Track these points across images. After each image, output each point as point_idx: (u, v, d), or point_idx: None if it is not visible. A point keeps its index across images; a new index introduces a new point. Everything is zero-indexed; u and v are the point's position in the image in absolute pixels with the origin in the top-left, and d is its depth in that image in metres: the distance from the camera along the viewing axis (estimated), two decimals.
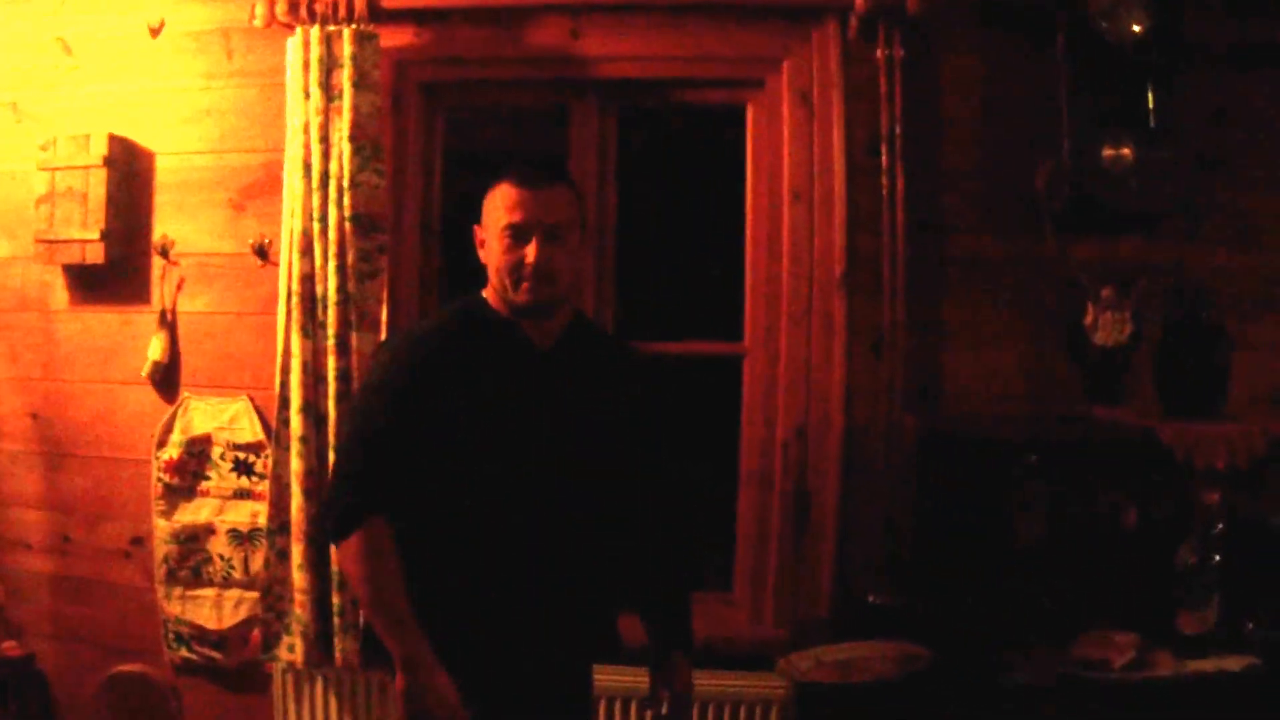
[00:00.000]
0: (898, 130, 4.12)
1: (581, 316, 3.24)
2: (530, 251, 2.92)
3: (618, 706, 4.14)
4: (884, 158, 4.13)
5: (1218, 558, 4.02)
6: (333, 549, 3.99)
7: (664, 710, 3.25)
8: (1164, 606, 4.03)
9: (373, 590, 2.87)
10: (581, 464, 3.05)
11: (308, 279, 4.12)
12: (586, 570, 3.08)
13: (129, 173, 4.44)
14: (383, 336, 4.13)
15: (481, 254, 3.05)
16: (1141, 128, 4.14)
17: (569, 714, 3.22)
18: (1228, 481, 4.06)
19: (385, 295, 4.17)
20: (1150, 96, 4.16)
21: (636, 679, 3.49)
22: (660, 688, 3.27)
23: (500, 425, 2.96)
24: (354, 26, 4.11)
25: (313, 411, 4.12)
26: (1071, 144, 4.12)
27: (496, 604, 2.97)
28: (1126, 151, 4.14)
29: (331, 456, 4.07)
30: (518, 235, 2.94)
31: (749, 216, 4.30)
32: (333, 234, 4.09)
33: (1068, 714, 3.79)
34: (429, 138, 4.40)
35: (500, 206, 2.96)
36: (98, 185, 4.38)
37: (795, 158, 4.19)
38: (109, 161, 4.38)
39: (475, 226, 3.06)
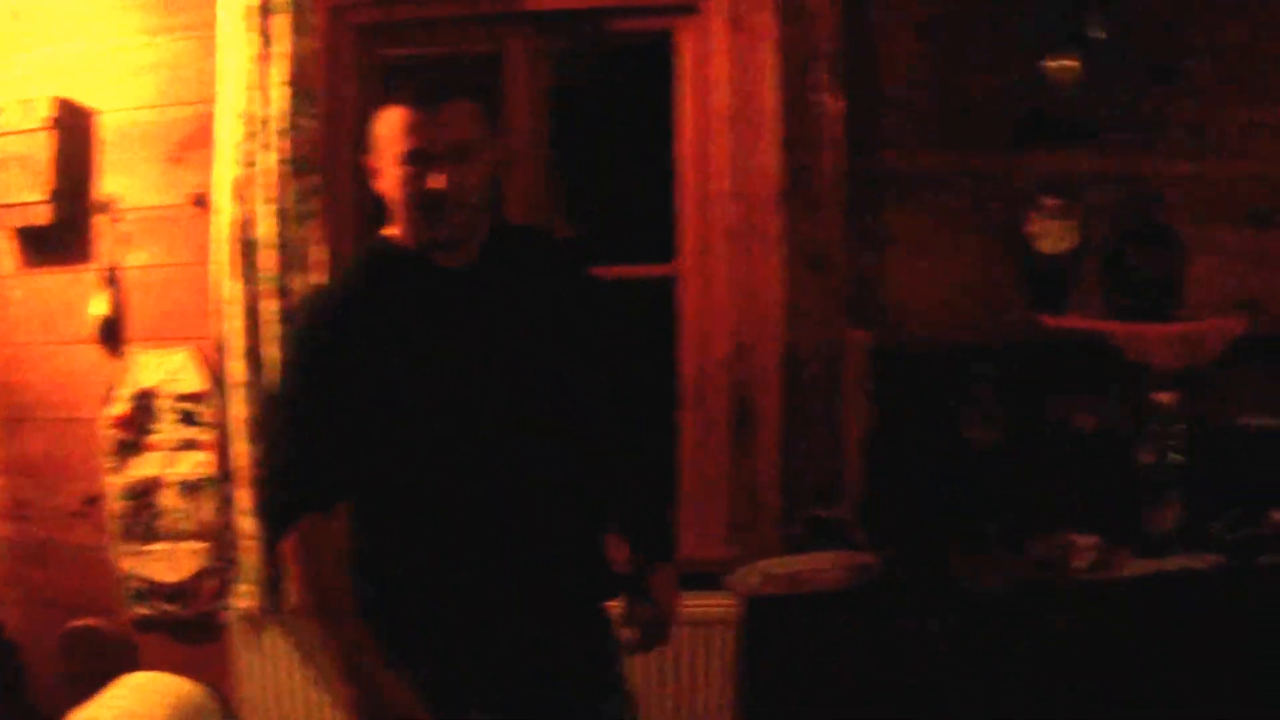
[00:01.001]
0: (834, 48, 4.08)
1: (500, 224, 2.94)
2: (437, 179, 2.62)
3: None
4: (820, 76, 4.08)
5: (1178, 458, 3.95)
6: None
7: (640, 628, 2.99)
8: (1126, 509, 3.96)
9: (313, 594, 2.63)
10: (534, 386, 2.74)
11: (244, 224, 4.10)
12: (566, 509, 2.79)
13: (74, 133, 4.43)
14: (322, 278, 4.10)
15: (377, 185, 2.75)
16: (1090, 39, 4.08)
17: (584, 671, 2.93)
18: (1187, 383, 4.00)
19: (323, 236, 4.15)
20: (1099, 7, 4.10)
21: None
22: (639, 604, 2.99)
23: (438, 369, 2.67)
24: None
25: (253, 356, 4.09)
26: (1017, 56, 4.09)
27: (476, 576, 2.70)
28: (1073, 63, 4.09)
29: None
30: (419, 161, 2.63)
31: (683, 141, 4.27)
32: (269, 178, 4.08)
33: (1027, 617, 3.72)
34: (364, 80, 4.39)
35: (395, 131, 2.65)
36: (45, 148, 4.37)
37: (730, 81, 4.15)
38: (56, 123, 4.38)
39: (364, 156, 2.77)
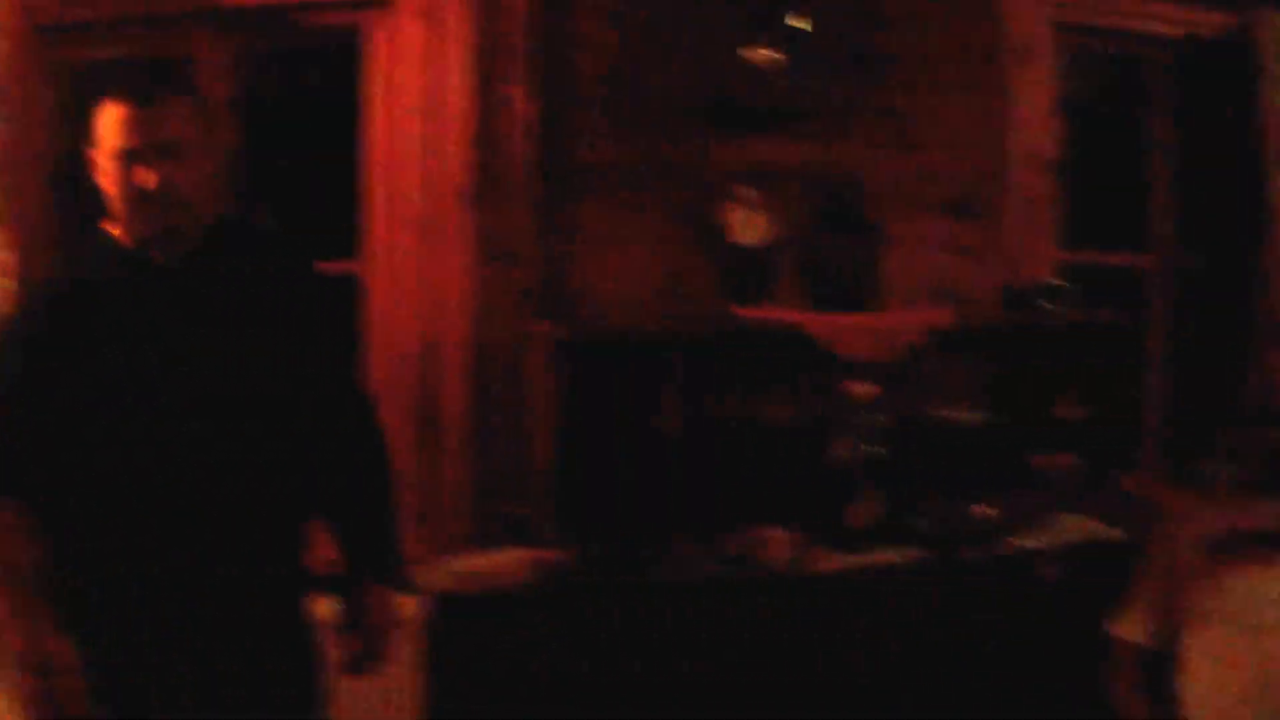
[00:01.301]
0: (526, 42, 4.07)
1: (227, 223, 2.88)
2: (148, 176, 2.62)
3: None
4: (511, 69, 4.07)
5: (876, 450, 3.96)
6: None
7: (351, 648, 2.93)
8: (825, 502, 3.96)
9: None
10: (231, 383, 2.71)
11: None
12: (254, 511, 2.73)
13: None
14: (9, 282, 4.00)
15: (97, 179, 2.73)
16: (791, 29, 4.10)
17: (278, 680, 2.84)
18: (885, 374, 4.01)
19: (9, 241, 4.03)
20: None
21: None
22: (352, 620, 2.93)
23: (135, 365, 2.65)
24: None
25: None
26: (714, 45, 4.09)
27: (160, 578, 2.66)
28: (773, 52, 4.11)
29: None
30: (131, 158, 2.63)
31: (373, 136, 4.22)
32: None
33: (719, 613, 3.70)
34: (53, 81, 4.29)
35: (110, 127, 2.65)
36: None
37: (420, 75, 4.12)
38: None
39: (87, 148, 2.74)
